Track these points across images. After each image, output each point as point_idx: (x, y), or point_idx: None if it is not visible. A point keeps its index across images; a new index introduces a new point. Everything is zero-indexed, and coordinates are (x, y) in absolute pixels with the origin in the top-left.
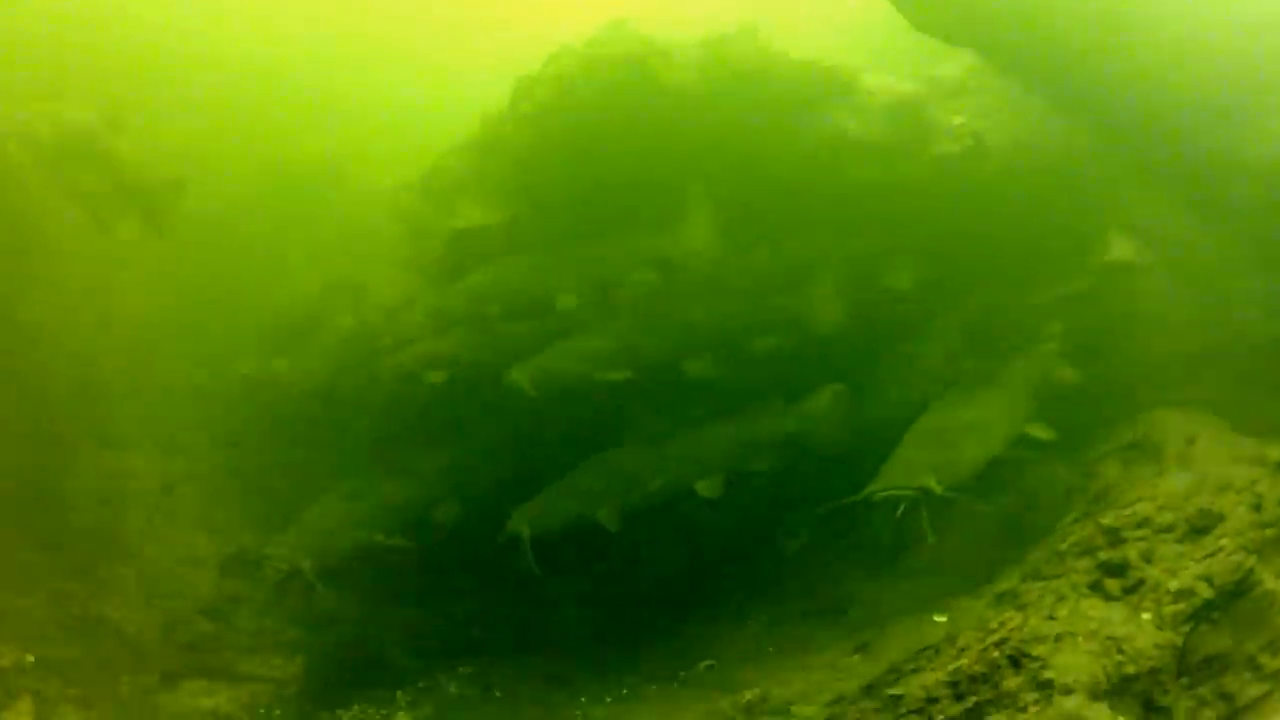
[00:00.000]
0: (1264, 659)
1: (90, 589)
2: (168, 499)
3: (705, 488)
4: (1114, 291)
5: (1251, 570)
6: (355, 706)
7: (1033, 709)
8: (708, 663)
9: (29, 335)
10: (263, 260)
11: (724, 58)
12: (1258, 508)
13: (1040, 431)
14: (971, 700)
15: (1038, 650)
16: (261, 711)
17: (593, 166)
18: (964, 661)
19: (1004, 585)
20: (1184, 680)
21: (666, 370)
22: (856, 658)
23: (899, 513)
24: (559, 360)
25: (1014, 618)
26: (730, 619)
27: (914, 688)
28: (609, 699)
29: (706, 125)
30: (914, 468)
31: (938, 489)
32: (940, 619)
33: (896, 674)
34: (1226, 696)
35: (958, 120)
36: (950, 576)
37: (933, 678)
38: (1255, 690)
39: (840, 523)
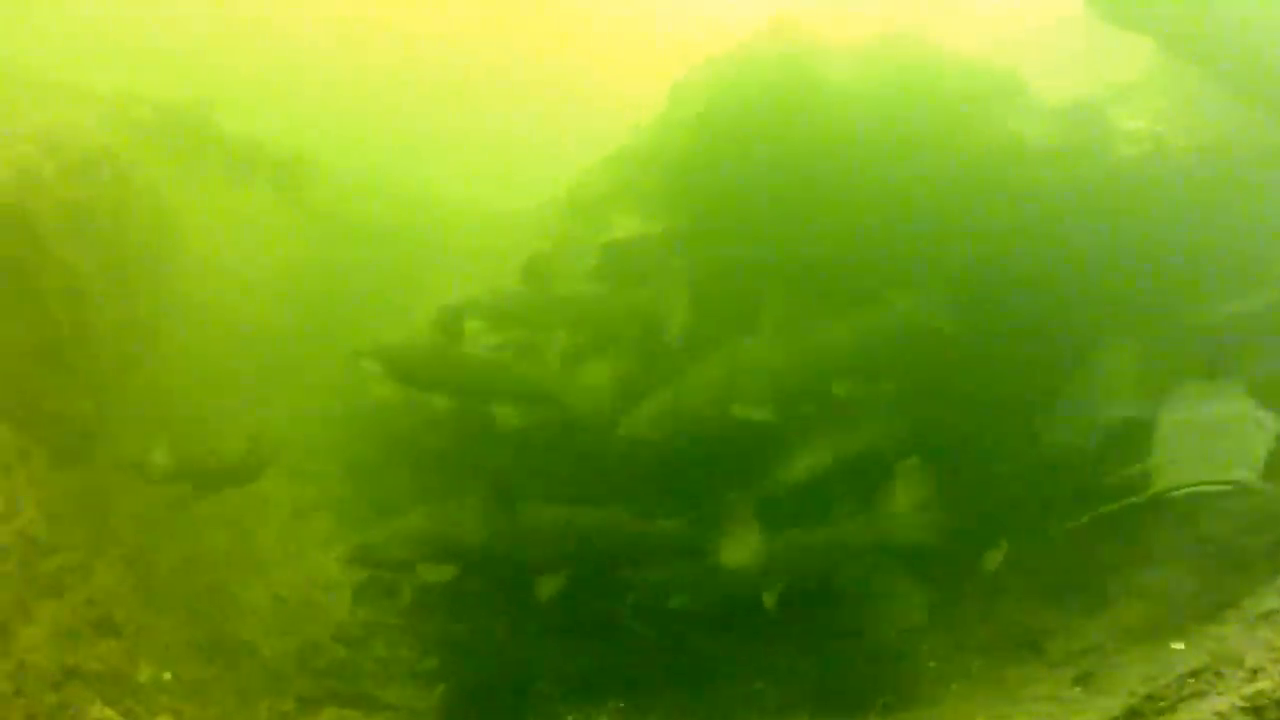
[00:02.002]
0: None
1: (225, 611)
2: (299, 523)
3: None
4: None
5: None
6: None
7: None
8: (883, 700)
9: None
10: (396, 282)
11: (888, 57)
12: None
13: None
14: None
15: None
16: None
17: (753, 172)
18: (1265, 685)
19: (1267, 605)
20: None
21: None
22: (1078, 690)
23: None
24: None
25: None
26: (893, 653)
27: (1199, 715)
28: None
29: (871, 128)
30: (1212, 461)
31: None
32: (1178, 646)
33: (1156, 702)
34: None
35: (1136, 123)
36: (1152, 602)
37: (1223, 703)
38: None
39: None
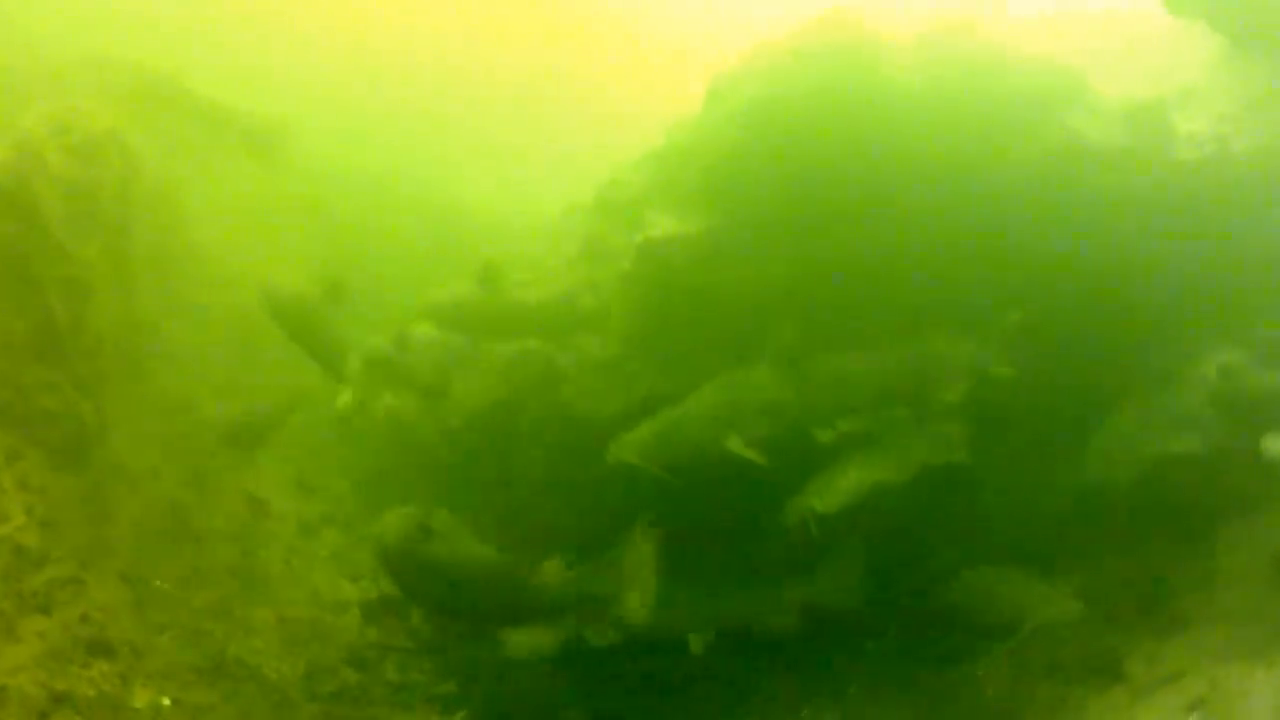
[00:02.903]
0: None
1: (228, 630)
2: (306, 541)
3: None
4: None
5: None
6: None
7: None
8: None
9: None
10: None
11: (945, 52)
12: None
13: None
14: None
15: None
16: None
17: (801, 170)
18: None
19: None
20: None
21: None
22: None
23: None
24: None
25: None
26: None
27: None
28: None
29: (927, 126)
30: None
31: None
32: None
33: None
34: None
35: (1200, 124)
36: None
37: None
38: None
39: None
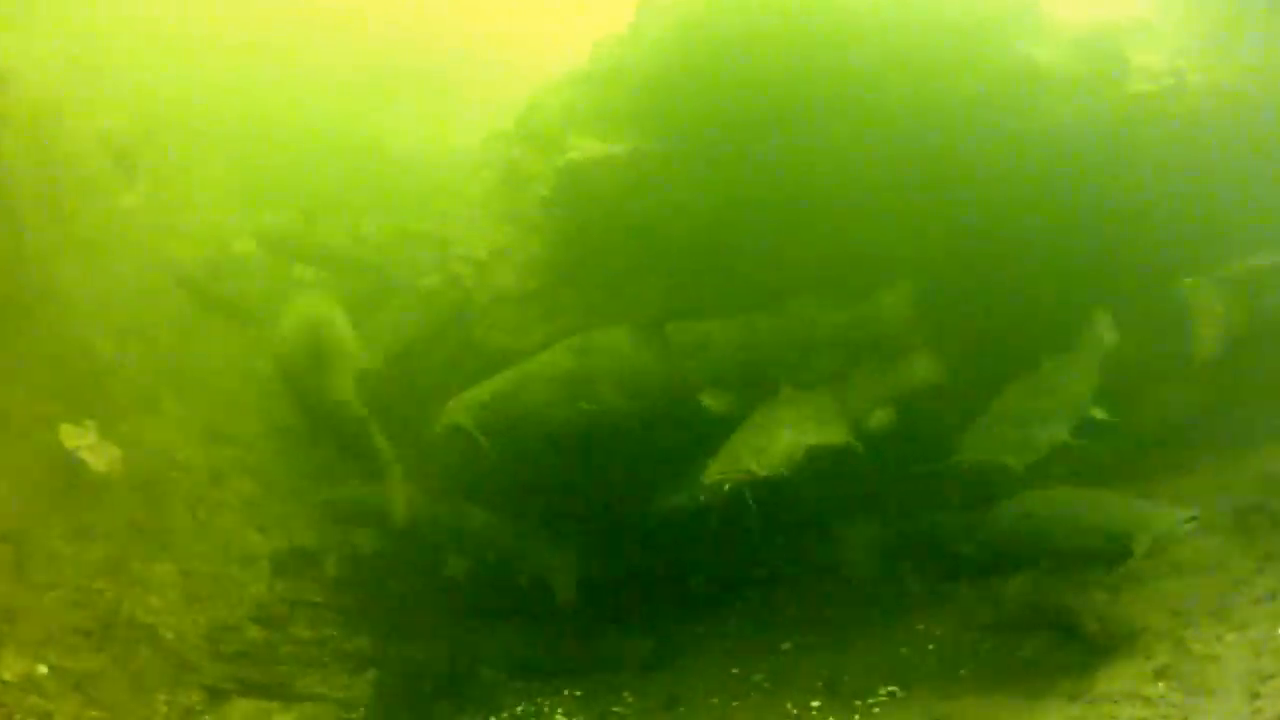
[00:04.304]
0: None
1: (122, 587)
2: (215, 490)
3: None
4: None
5: None
6: None
7: None
8: (889, 689)
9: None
10: (330, 223)
11: None
12: None
13: None
14: None
15: None
16: None
17: (733, 93)
18: None
19: None
20: None
21: None
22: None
23: None
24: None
25: None
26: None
27: None
28: None
29: (872, 47)
30: None
31: None
32: None
33: None
34: None
35: (1156, 57)
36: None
37: None
38: None
39: None
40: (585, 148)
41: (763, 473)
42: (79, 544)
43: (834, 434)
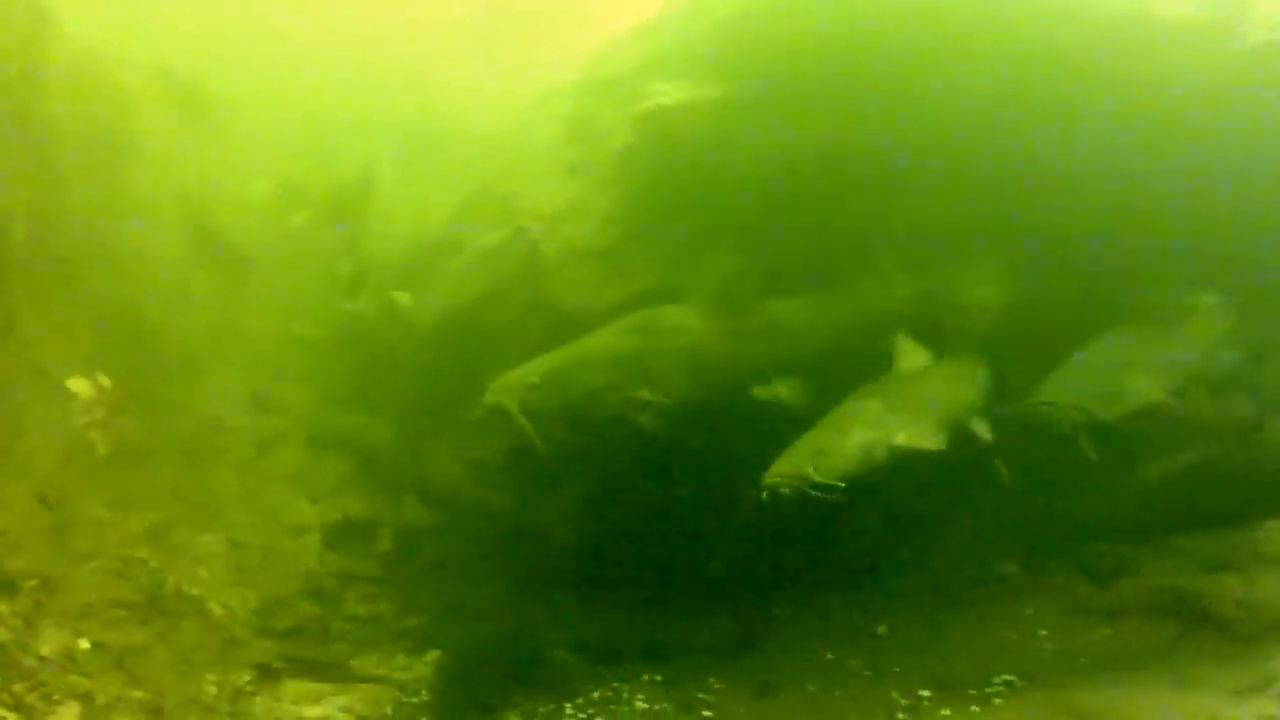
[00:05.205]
0: None
1: (167, 558)
2: (263, 458)
3: None
4: None
5: None
6: None
7: None
8: (1004, 678)
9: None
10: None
11: None
12: None
13: None
14: None
15: None
16: None
17: (821, 39)
18: None
19: None
20: None
21: None
22: None
23: None
24: None
25: None
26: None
27: None
28: None
29: None
30: None
31: None
32: None
33: None
34: None
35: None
36: None
37: None
38: None
39: None
40: (668, 93)
41: (819, 479)
42: (122, 511)
43: (925, 435)
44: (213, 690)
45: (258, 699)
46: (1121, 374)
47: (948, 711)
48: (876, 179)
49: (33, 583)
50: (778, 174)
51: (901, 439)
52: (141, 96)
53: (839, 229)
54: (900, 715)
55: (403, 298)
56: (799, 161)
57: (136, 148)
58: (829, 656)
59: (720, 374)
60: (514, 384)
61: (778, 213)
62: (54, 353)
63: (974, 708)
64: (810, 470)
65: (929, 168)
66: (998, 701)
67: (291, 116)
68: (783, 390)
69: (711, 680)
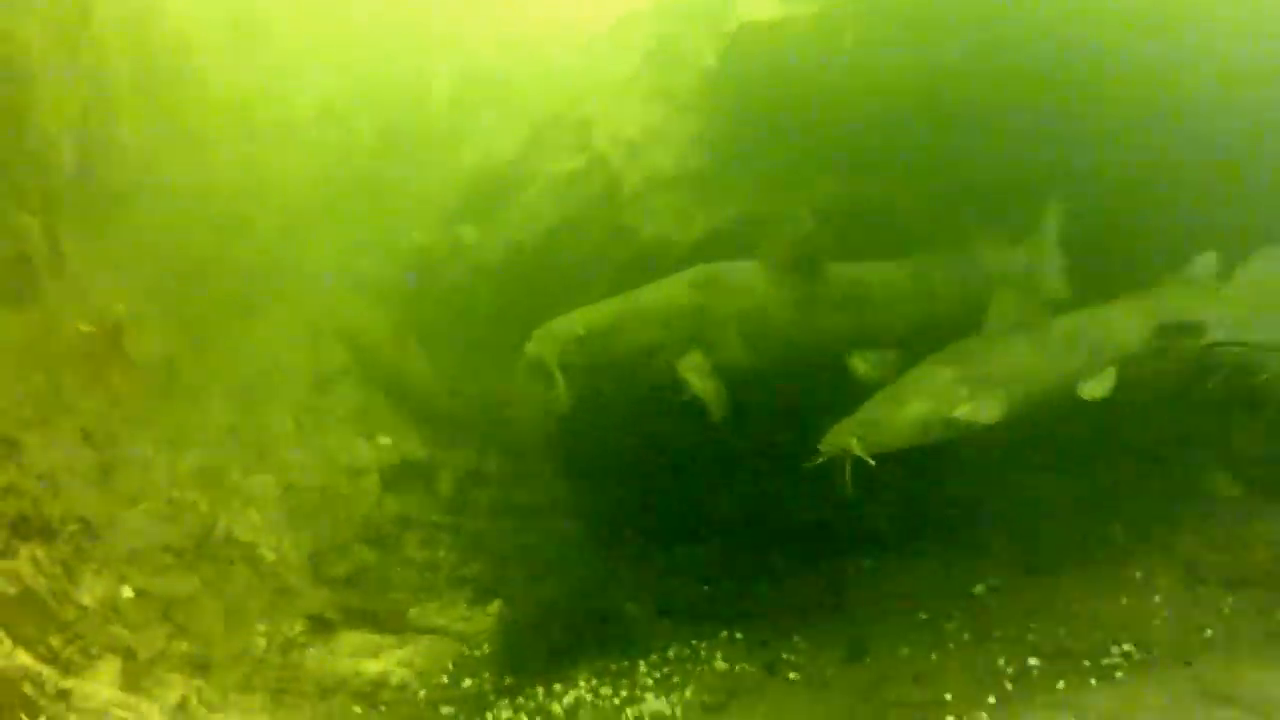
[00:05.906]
0: None
1: (217, 500)
2: (320, 396)
3: None
4: None
5: None
6: (581, 681)
7: None
8: (1123, 648)
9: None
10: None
11: None
12: None
13: None
14: None
15: None
16: (445, 681)
17: None
18: None
19: None
20: None
21: None
22: None
23: None
24: None
25: None
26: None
27: None
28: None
29: None
30: None
31: None
32: None
33: None
34: None
35: None
36: None
37: None
38: None
39: None
40: (759, 6)
41: (859, 453)
42: (171, 452)
43: (990, 407)
44: (262, 643)
45: (310, 651)
46: None
47: (1062, 684)
48: (986, 112)
49: (73, 527)
50: (878, 99)
51: (963, 411)
52: (193, 21)
53: (942, 171)
54: (1008, 684)
55: (468, 232)
56: (903, 85)
57: (189, 75)
58: (922, 616)
59: (788, 341)
60: (559, 333)
61: (875, 146)
62: (104, 286)
63: (1092, 680)
64: (854, 443)
65: (1053, 95)
66: (1119, 675)
67: (346, 39)
68: (861, 365)
69: (797, 640)
